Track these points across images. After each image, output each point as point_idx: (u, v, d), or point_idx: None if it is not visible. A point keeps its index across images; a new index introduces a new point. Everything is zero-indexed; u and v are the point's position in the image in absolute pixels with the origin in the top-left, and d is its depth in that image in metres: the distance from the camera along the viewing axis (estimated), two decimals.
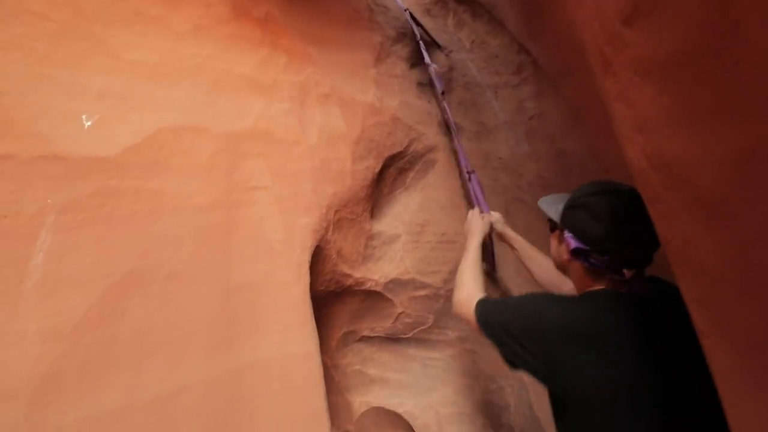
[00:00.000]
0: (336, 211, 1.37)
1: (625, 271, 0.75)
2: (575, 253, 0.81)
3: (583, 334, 0.73)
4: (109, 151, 0.91)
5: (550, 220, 0.95)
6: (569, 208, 0.85)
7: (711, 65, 0.37)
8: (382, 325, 1.57)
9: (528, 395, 1.34)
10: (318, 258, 1.29)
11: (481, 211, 1.35)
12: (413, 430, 1.45)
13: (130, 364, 0.79)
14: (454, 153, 1.84)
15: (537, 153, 1.85)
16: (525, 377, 1.39)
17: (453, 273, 1.59)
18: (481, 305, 0.92)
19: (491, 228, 1.29)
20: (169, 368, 0.83)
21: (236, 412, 0.86)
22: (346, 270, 1.43)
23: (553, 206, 0.93)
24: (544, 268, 1.14)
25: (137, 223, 0.91)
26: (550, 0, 1.35)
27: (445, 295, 1.56)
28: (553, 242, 0.93)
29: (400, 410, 1.47)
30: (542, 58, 1.78)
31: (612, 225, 0.76)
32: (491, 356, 1.47)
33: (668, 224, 0.49)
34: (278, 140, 1.29)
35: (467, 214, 1.35)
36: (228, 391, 0.88)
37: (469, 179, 1.56)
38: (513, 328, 0.82)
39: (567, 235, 0.83)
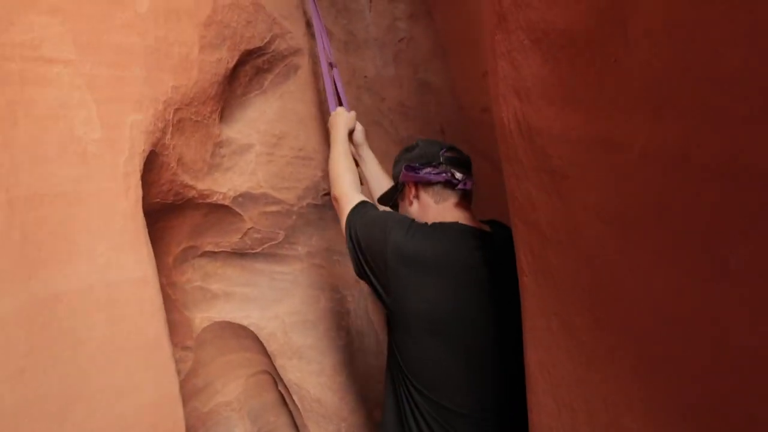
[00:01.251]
0: (177, 110, 1.12)
1: (453, 172, 0.88)
2: (409, 177, 0.92)
3: (419, 261, 0.82)
4: None
5: (394, 186, 1.01)
6: (395, 165, 0.99)
7: (597, 53, 0.41)
8: (228, 240, 1.48)
9: (366, 302, 1.53)
10: (152, 166, 1.06)
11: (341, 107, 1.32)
12: (258, 339, 1.50)
13: None
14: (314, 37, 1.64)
15: (401, 79, 1.87)
16: (364, 287, 1.56)
17: (308, 190, 1.57)
18: (351, 214, 0.96)
19: (353, 128, 1.27)
20: None
21: (46, 351, 0.71)
22: (189, 181, 1.23)
23: (388, 183, 1.07)
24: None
25: None
26: None
27: (297, 211, 1.55)
28: (404, 206, 0.98)
29: (245, 322, 1.49)
30: None
31: (424, 145, 0.94)
32: (337, 270, 1.58)
33: (519, 182, 0.58)
34: None
35: (329, 115, 1.32)
36: (33, 327, 0.70)
37: (330, 72, 1.45)
38: (362, 242, 0.90)
39: (402, 179, 0.95)
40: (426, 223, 0.88)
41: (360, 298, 1.58)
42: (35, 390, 0.68)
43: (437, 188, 0.91)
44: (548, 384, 0.54)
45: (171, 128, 1.11)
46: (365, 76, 1.87)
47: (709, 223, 0.32)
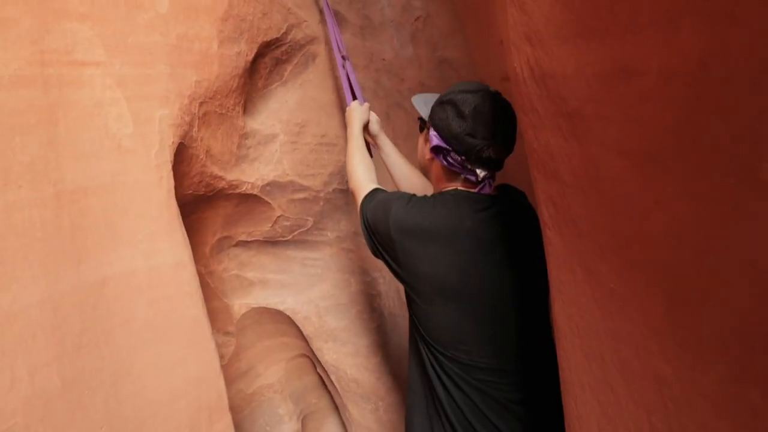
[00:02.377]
0: (202, 103, 1.17)
1: (478, 171, 0.84)
2: (435, 150, 0.87)
3: (420, 232, 0.83)
4: None
5: (419, 118, 0.99)
6: (438, 104, 0.89)
7: None
8: (259, 229, 1.53)
9: (396, 284, 1.54)
10: (182, 158, 1.11)
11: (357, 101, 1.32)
12: (294, 323, 1.55)
13: None
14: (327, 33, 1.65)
15: (420, 59, 1.84)
16: None
17: (333, 176, 1.59)
18: (364, 201, 0.98)
19: (368, 121, 1.27)
20: None
21: (99, 329, 0.77)
22: (218, 172, 1.28)
23: (424, 104, 0.96)
24: (407, 177, 1.20)
25: None
26: None
27: (324, 197, 1.57)
28: (420, 141, 0.98)
29: (281, 308, 1.54)
30: None
31: (473, 123, 0.82)
32: (366, 253, 1.60)
33: (536, 133, 0.56)
34: None
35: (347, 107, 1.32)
36: (85, 308, 0.76)
37: (344, 66, 1.45)
38: (371, 224, 0.92)
39: (431, 132, 0.88)
40: (425, 196, 0.90)
41: (390, 279, 1.59)
42: (91, 363, 0.74)
43: (452, 170, 0.88)
44: (577, 338, 0.52)
45: (197, 121, 1.16)
46: (383, 59, 1.86)
47: (736, 134, 0.29)
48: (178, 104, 1.07)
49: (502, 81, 1.34)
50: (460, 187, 0.88)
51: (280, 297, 1.56)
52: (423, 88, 1.87)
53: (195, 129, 1.15)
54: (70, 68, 0.89)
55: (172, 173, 0.99)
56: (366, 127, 1.26)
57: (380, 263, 1.69)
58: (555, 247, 0.55)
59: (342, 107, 1.66)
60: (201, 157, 1.20)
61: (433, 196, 0.89)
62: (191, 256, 0.97)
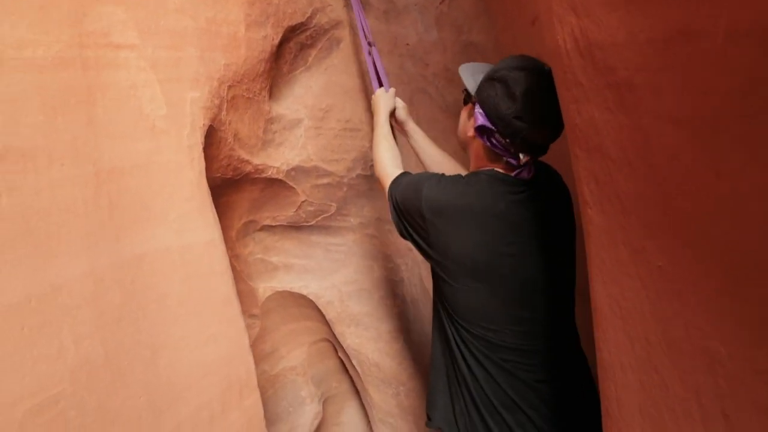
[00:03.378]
0: (230, 87, 1.18)
1: (521, 155, 0.81)
2: (480, 130, 0.84)
3: (454, 212, 0.82)
4: None
5: (465, 90, 0.96)
6: (487, 80, 0.85)
7: None
8: (284, 214, 1.54)
9: (420, 270, 1.54)
10: (212, 140, 1.13)
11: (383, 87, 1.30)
12: (317, 307, 1.57)
13: None
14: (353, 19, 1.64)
15: (444, 42, 1.81)
16: (417, 255, 1.57)
17: (357, 161, 1.59)
18: (392, 185, 0.97)
19: (394, 107, 1.26)
20: (38, 264, 0.69)
21: (136, 303, 0.79)
22: (245, 156, 1.30)
23: (472, 77, 0.92)
24: (437, 163, 1.18)
25: None
26: None
27: (348, 183, 1.57)
28: (463, 115, 0.96)
29: (304, 292, 1.56)
30: None
31: (523, 105, 0.78)
32: (389, 239, 1.60)
33: (579, 107, 0.54)
34: None
35: (372, 94, 1.31)
36: (123, 283, 0.79)
37: (370, 52, 1.43)
38: (401, 205, 0.92)
39: (477, 110, 0.84)
40: (458, 175, 0.89)
41: (413, 266, 1.59)
42: (131, 336, 0.77)
43: (494, 152, 0.85)
44: (619, 318, 0.51)
45: (226, 104, 1.17)
46: (407, 44, 1.84)
47: None
48: (208, 87, 1.09)
49: None
50: (497, 169, 0.86)
51: (304, 281, 1.58)
52: (447, 73, 1.84)
53: (224, 112, 1.16)
54: (107, 50, 0.91)
55: (203, 155, 1.01)
56: (393, 114, 1.25)
57: (403, 249, 1.69)
58: (596, 225, 0.54)
59: (367, 92, 1.65)
60: (229, 140, 1.21)
61: (467, 175, 0.88)
62: (221, 236, 0.99)
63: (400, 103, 1.28)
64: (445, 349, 0.89)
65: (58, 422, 0.67)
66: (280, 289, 1.57)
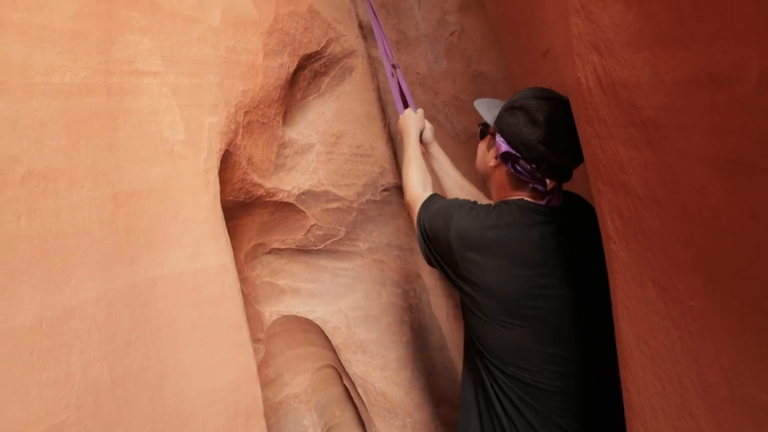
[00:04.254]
0: (246, 113, 1.20)
1: (547, 181, 0.80)
2: (504, 157, 0.83)
3: (483, 243, 0.79)
4: None
5: (481, 125, 0.96)
6: (508, 109, 0.85)
7: None
8: (292, 237, 1.54)
9: (428, 297, 1.52)
10: (227, 164, 1.14)
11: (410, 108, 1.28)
12: (324, 333, 1.55)
13: None
14: (374, 40, 1.64)
15: (454, 72, 1.85)
16: (426, 282, 1.55)
17: (367, 187, 1.60)
18: (421, 209, 0.94)
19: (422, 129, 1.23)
20: (52, 287, 0.69)
21: (146, 328, 0.78)
22: (257, 179, 1.31)
23: (488, 110, 0.93)
24: (460, 187, 1.18)
25: None
26: None
27: (357, 208, 1.58)
28: (482, 148, 0.95)
29: (311, 317, 1.54)
30: None
31: (547, 131, 0.78)
32: (398, 266, 1.59)
33: (602, 143, 0.54)
34: (169, 13, 1.02)
35: (394, 119, 1.28)
36: (134, 307, 0.78)
37: (393, 74, 1.43)
38: (430, 233, 0.88)
39: (499, 138, 0.84)
40: (488, 205, 0.86)
41: (421, 292, 1.57)
42: (139, 361, 0.76)
43: (520, 179, 0.84)
44: (648, 359, 0.50)
45: (241, 130, 1.19)
46: (417, 73, 1.88)
47: None
48: (226, 113, 1.11)
49: None
50: (526, 198, 0.84)
51: (310, 306, 1.56)
52: (457, 102, 1.88)
53: (239, 137, 1.18)
54: (131, 77, 0.93)
55: (218, 179, 1.02)
56: (420, 135, 1.23)
57: (412, 275, 1.68)
58: (621, 262, 0.53)
59: (379, 118, 1.68)
60: (243, 164, 1.23)
61: (497, 204, 0.85)
62: (233, 260, 0.98)
63: (428, 125, 1.27)
64: (477, 387, 0.85)
65: None
66: (286, 314, 1.55)
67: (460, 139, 1.80)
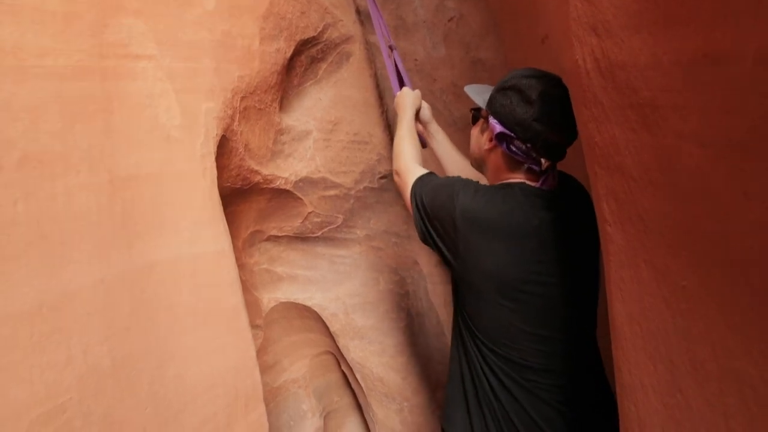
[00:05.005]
0: (243, 98, 1.19)
1: (542, 160, 0.81)
2: (499, 138, 0.83)
3: (488, 224, 0.80)
4: None
5: (473, 110, 0.96)
6: (499, 90, 0.85)
7: None
8: (290, 225, 1.54)
9: (425, 284, 1.53)
10: (223, 150, 1.14)
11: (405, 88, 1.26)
12: (321, 320, 1.56)
13: None
14: (370, 19, 1.62)
15: (452, 59, 1.84)
16: (423, 269, 1.56)
17: (365, 174, 1.59)
18: (416, 184, 0.93)
19: (419, 108, 1.22)
20: (51, 271, 0.69)
21: (145, 312, 0.79)
22: (254, 166, 1.31)
23: (479, 95, 0.92)
24: (460, 168, 1.17)
25: None
26: None
27: (355, 195, 1.58)
28: (475, 132, 0.95)
29: (308, 303, 1.55)
30: None
31: (541, 109, 0.78)
32: (395, 252, 1.60)
33: (599, 126, 0.54)
34: None
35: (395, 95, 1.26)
36: (134, 291, 0.78)
37: (390, 55, 1.41)
38: (428, 209, 0.87)
39: (493, 121, 0.84)
40: (492, 186, 0.86)
41: (419, 279, 1.58)
42: (138, 345, 0.76)
43: (515, 159, 0.84)
44: (640, 338, 0.51)
45: (238, 115, 1.18)
46: (415, 59, 1.87)
47: None
48: (222, 98, 1.10)
49: None
50: (525, 181, 0.84)
51: (308, 293, 1.57)
52: (455, 89, 1.86)
53: (236, 123, 1.18)
54: (126, 61, 0.92)
55: (215, 164, 1.02)
56: (417, 114, 1.21)
57: (409, 262, 1.69)
58: (616, 243, 0.54)
59: (376, 105, 1.67)
60: (240, 150, 1.22)
61: (501, 187, 0.84)
62: (231, 246, 0.99)
63: (425, 104, 1.25)
64: (465, 364, 0.87)
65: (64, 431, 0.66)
66: (284, 300, 1.56)
67: (458, 126, 1.80)
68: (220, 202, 1.01)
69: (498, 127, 0.83)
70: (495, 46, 1.73)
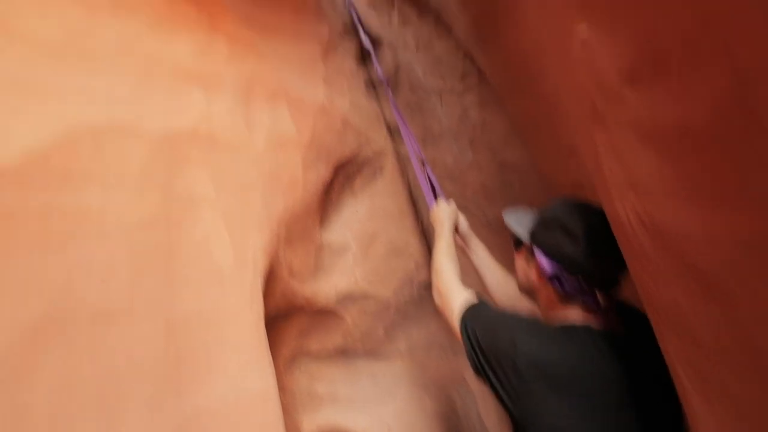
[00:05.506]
0: (287, 226, 1.27)
1: (597, 292, 0.77)
2: (550, 275, 0.81)
3: (556, 377, 0.73)
4: (2, 159, 0.70)
5: (514, 236, 0.94)
6: (541, 225, 0.84)
7: (724, 148, 0.39)
8: (331, 340, 1.52)
9: (476, 402, 1.41)
10: (268, 279, 1.18)
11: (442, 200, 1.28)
12: None
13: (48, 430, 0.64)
14: (402, 140, 1.74)
15: (480, 163, 1.92)
16: (471, 385, 1.45)
17: (404, 283, 1.59)
18: (468, 312, 0.89)
19: (457, 221, 1.22)
20: (102, 430, 0.69)
21: None
22: (297, 287, 1.34)
23: (518, 223, 0.92)
24: (501, 283, 1.14)
25: (51, 252, 0.73)
26: (506, 17, 1.38)
27: (395, 305, 1.56)
28: (519, 261, 0.92)
29: (350, 425, 1.45)
30: (488, 69, 1.83)
31: (588, 244, 0.77)
32: (439, 365, 1.51)
33: (657, 284, 0.52)
34: (223, 144, 1.14)
35: (428, 211, 1.27)
36: None
37: (422, 169, 1.47)
38: (483, 345, 0.82)
39: (539, 256, 0.82)
40: (557, 328, 0.80)
41: (466, 395, 1.46)
42: None
43: (568, 293, 0.80)
44: None
45: (282, 243, 1.25)
46: (444, 166, 1.96)
47: None
48: (269, 230, 1.17)
49: (575, 188, 1.33)
50: (587, 321, 0.79)
51: (350, 414, 1.47)
52: (485, 191, 1.91)
53: (281, 250, 1.23)
54: (188, 207, 1.02)
55: (262, 297, 1.05)
56: (455, 228, 1.21)
57: (457, 377, 1.58)
58: (703, 421, 0.48)
59: (411, 214, 1.72)
60: (284, 275, 1.26)
61: (563, 330, 0.79)
62: (276, 383, 0.97)
63: (461, 216, 1.25)
64: None
65: None
66: (324, 424, 1.47)
67: (492, 227, 1.80)
68: (266, 336, 1.01)
69: (546, 264, 0.82)
70: (520, 149, 1.80)
